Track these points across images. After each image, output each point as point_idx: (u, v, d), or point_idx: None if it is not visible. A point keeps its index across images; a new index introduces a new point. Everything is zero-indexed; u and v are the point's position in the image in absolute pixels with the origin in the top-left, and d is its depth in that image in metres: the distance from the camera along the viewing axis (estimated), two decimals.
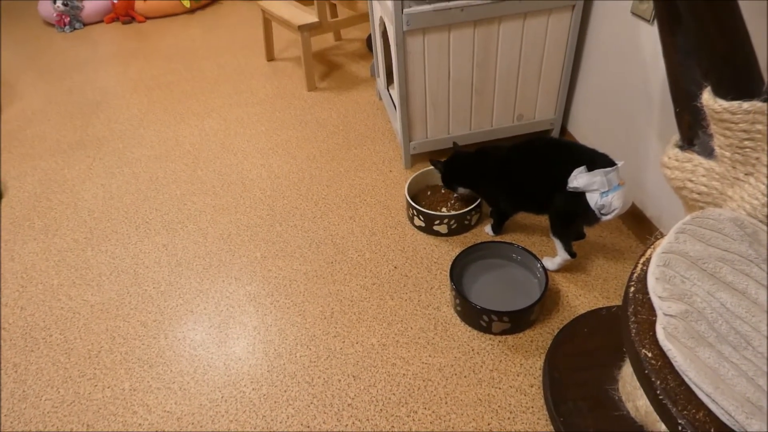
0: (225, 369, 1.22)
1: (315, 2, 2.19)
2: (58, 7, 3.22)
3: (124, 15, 3.36)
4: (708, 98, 0.72)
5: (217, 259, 1.52)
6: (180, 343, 1.29)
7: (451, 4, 1.42)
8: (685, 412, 0.58)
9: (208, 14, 3.43)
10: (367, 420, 1.09)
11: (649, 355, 0.64)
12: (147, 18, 3.39)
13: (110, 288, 1.46)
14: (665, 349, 0.62)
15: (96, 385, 1.21)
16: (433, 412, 1.10)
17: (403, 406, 1.11)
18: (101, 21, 3.41)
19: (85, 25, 3.37)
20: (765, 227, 0.72)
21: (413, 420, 1.09)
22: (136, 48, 3.00)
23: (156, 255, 1.56)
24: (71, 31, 3.31)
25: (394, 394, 1.14)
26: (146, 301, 1.41)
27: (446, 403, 1.11)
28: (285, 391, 1.16)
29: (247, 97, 2.36)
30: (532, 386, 1.13)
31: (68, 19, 3.29)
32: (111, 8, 3.37)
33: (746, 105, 0.68)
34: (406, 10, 1.41)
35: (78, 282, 1.49)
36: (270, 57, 2.67)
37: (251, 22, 3.17)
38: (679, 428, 0.58)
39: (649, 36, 1.27)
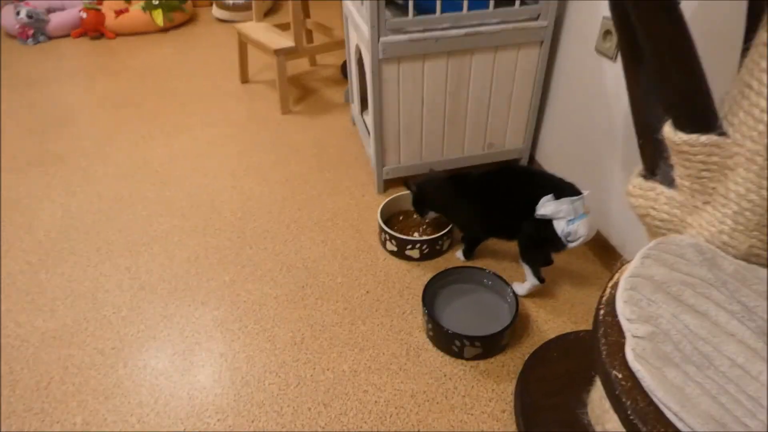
0: (188, 399, 1.17)
1: (291, 27, 2.22)
2: (22, 19, 3.12)
3: (94, 31, 3.28)
4: (669, 131, 0.77)
5: (183, 283, 1.47)
6: (140, 372, 1.23)
7: (426, 34, 1.47)
8: (654, 431, 0.59)
9: (181, 34, 3.40)
10: None
11: (620, 376, 0.65)
12: (117, 35, 3.33)
13: (65, 314, 1.38)
14: (634, 369, 0.63)
15: (43, 420, 1.12)
16: None
17: None
18: (68, 35, 3.31)
19: (50, 38, 3.27)
20: (721, 253, 0.76)
21: None
22: (104, 64, 2.94)
23: (118, 278, 1.49)
24: (35, 44, 3.20)
25: (365, 422, 1.11)
26: (105, 327, 1.34)
27: (419, 430, 1.09)
28: (252, 422, 1.12)
29: (219, 119, 2.33)
30: (504, 411, 1.13)
31: (32, 31, 3.19)
32: (79, 23, 3.28)
33: (703, 138, 0.73)
34: (382, 39, 1.45)
35: (28, 307, 1.40)
36: (244, 79, 2.67)
37: (226, 44, 3.17)
38: None
39: (613, 72, 1.35)
